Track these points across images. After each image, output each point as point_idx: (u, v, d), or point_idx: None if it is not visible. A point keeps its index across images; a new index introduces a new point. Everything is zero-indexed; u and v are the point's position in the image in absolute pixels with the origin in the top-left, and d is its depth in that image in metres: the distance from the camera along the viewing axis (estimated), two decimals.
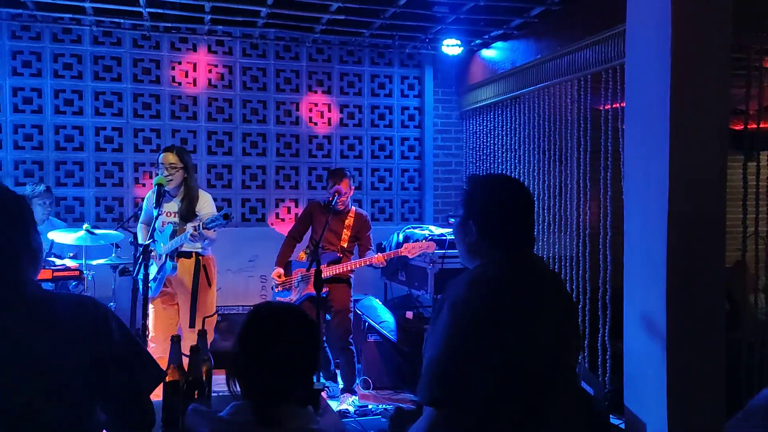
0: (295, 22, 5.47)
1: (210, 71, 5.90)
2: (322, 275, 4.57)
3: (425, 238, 4.82)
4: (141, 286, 2.93)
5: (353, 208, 4.93)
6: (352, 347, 4.79)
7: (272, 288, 4.92)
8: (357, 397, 4.67)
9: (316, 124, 6.22)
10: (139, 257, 2.91)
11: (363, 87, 6.34)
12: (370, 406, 4.52)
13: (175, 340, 1.90)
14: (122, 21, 5.43)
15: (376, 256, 4.66)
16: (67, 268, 3.85)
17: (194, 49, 5.85)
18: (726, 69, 2.83)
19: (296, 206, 6.23)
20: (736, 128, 3.73)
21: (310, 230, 4.94)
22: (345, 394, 4.68)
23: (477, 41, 5.85)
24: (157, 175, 3.97)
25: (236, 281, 5.86)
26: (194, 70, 5.86)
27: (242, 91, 6.00)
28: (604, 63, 4.10)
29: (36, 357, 1.34)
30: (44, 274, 3.66)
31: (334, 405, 4.60)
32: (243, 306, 5.63)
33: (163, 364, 1.75)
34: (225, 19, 5.40)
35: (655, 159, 2.83)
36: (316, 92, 6.20)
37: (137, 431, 1.52)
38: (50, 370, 1.35)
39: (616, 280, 3.88)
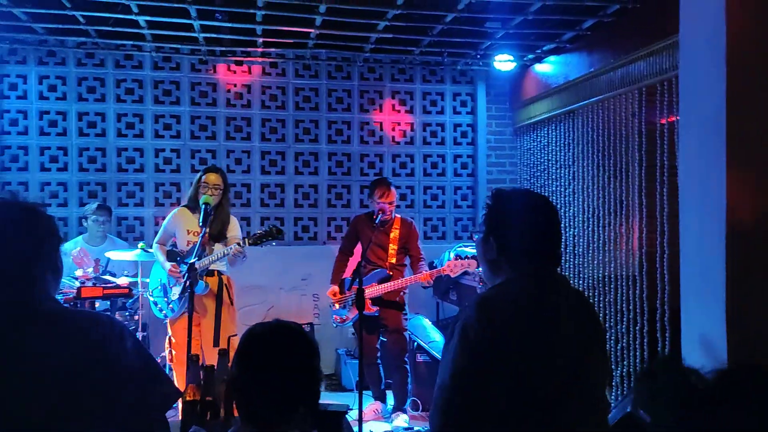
0: (344, 42, 5.53)
1: (264, 92, 6.04)
2: (373, 293, 4.58)
3: (467, 256, 4.72)
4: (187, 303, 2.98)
5: (397, 216, 4.80)
6: (407, 366, 4.73)
7: (329, 306, 4.91)
8: (408, 417, 4.60)
9: (367, 142, 6.25)
10: (184, 275, 2.96)
11: (414, 105, 6.34)
12: (416, 429, 4.43)
13: (194, 360, 1.91)
14: (180, 46, 5.64)
15: (422, 274, 4.58)
16: (117, 286, 3.99)
17: (249, 72, 6.01)
18: None
19: (348, 225, 6.24)
20: None
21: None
22: (396, 413, 4.63)
23: (529, 56, 5.75)
24: (203, 195, 4.04)
25: (289, 300, 5.91)
26: (249, 92, 6.01)
27: (295, 111, 6.10)
28: (659, 75, 3.94)
29: (52, 373, 1.37)
30: (95, 291, 3.80)
31: (386, 425, 4.54)
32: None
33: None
34: (277, 41, 5.52)
35: (711, 173, 2.67)
36: (367, 111, 6.23)
37: None
38: (65, 387, 1.37)
39: (674, 301, 3.68)
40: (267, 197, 6.09)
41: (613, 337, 4.56)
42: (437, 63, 6.17)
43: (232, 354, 1.59)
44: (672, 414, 1.03)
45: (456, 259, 4.68)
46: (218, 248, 4.04)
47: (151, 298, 4.34)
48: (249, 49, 5.76)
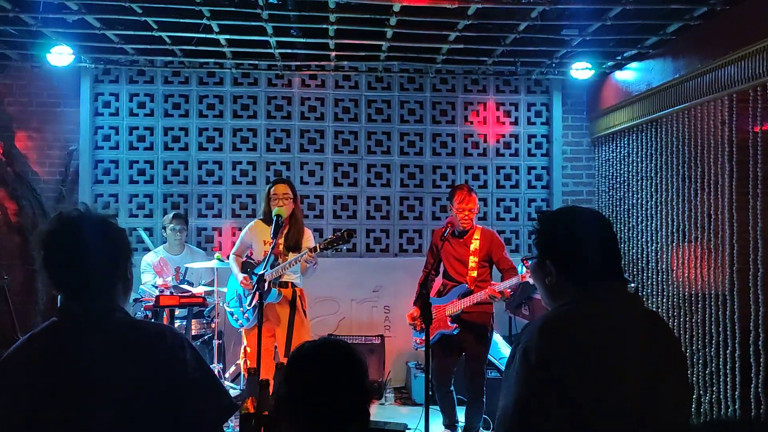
0: (416, 53, 5.52)
1: (337, 105, 6.12)
2: (454, 309, 4.20)
3: None
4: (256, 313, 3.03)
5: (477, 226, 4.34)
6: (483, 398, 4.30)
7: (411, 327, 4.45)
8: None
9: (440, 154, 6.20)
10: (253, 286, 3.02)
11: (487, 116, 6.24)
12: None
13: (252, 373, 1.93)
14: (258, 62, 5.81)
15: (499, 285, 4.25)
16: (192, 295, 4.13)
17: (323, 85, 6.11)
18: None
19: (420, 237, 6.20)
20: None
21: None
22: None
23: (609, 63, 5.53)
24: (274, 206, 4.09)
25: (360, 311, 5.93)
26: (322, 104, 6.11)
27: (367, 123, 6.14)
28: (751, 80, 3.68)
29: (116, 382, 1.41)
30: (172, 300, 3.95)
31: None
32: (366, 336, 5.66)
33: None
34: (349, 54, 5.59)
35: None
36: (439, 122, 6.19)
37: None
38: (127, 396, 1.41)
39: None
40: (339, 209, 6.15)
41: (700, 361, 4.27)
42: (511, 73, 6.05)
43: None
44: None
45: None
46: (292, 257, 4.08)
47: (228, 309, 4.45)
48: (323, 63, 5.86)
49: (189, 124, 6.02)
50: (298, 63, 5.85)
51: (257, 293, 3.01)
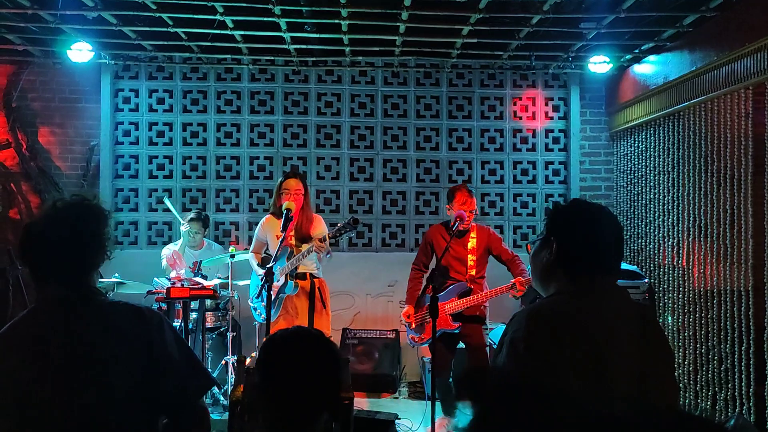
0: (431, 48, 5.51)
1: (353, 100, 6.14)
2: (454, 309, 4.27)
3: None
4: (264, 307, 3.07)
5: (474, 225, 4.43)
6: None
7: (406, 325, 4.58)
8: None
9: (456, 149, 6.19)
10: (262, 279, 3.06)
11: (504, 110, 6.20)
12: None
13: (241, 360, 1.97)
14: (275, 58, 5.86)
15: (510, 284, 4.28)
16: (203, 287, 4.18)
17: (339, 81, 6.13)
18: None
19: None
20: None
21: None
22: None
23: (627, 56, 5.46)
24: (285, 200, 4.12)
25: (375, 305, 5.96)
26: (338, 100, 6.14)
27: (383, 118, 6.16)
28: None
29: (99, 361, 1.46)
30: (182, 292, 4.01)
31: None
32: (381, 330, 5.69)
33: None
34: (364, 50, 5.61)
35: None
36: (456, 117, 6.17)
37: None
38: (111, 375, 1.46)
39: None
40: (356, 203, 6.18)
41: (716, 357, 4.20)
42: (528, 67, 6.00)
43: None
44: None
45: None
46: (305, 248, 4.11)
47: (251, 304, 4.50)
48: (339, 58, 5.88)
49: (207, 120, 6.10)
50: (314, 59, 5.88)
51: (265, 286, 3.05)
